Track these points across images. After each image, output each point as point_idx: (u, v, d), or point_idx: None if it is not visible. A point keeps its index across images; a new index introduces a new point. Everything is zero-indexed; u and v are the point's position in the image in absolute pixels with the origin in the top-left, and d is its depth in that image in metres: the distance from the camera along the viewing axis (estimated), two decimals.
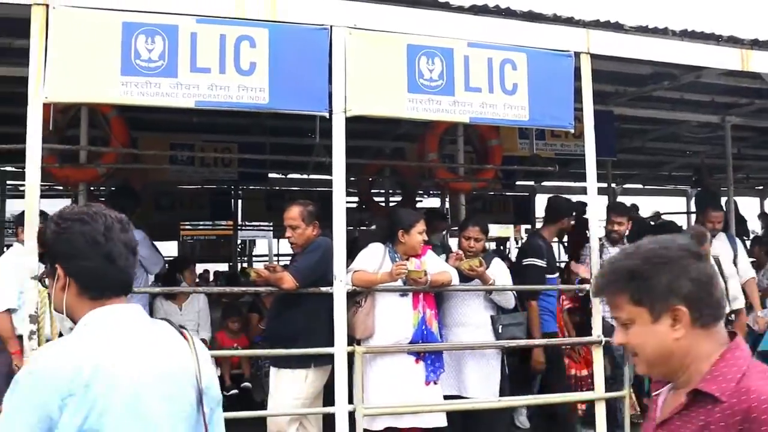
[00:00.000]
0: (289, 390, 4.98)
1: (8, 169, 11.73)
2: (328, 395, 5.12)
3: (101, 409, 1.82)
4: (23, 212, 5.36)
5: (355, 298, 5.06)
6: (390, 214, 5.98)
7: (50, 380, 1.81)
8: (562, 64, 5.34)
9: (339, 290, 4.74)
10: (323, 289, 4.85)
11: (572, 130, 5.56)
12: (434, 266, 5.17)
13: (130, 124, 7.27)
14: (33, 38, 4.39)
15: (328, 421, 5.13)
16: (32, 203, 4.45)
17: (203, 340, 6.76)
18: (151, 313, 6.68)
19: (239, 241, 15.38)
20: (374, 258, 5.19)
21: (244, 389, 6.83)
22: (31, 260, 4.37)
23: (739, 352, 1.80)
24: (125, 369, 1.89)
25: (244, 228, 14.01)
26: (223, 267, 15.01)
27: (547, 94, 5.29)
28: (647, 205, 13.76)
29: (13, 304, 5.07)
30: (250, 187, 12.04)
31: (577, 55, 5.39)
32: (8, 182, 12.28)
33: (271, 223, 13.85)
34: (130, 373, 1.90)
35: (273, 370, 5.15)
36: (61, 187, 10.12)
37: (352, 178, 11.43)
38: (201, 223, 14.50)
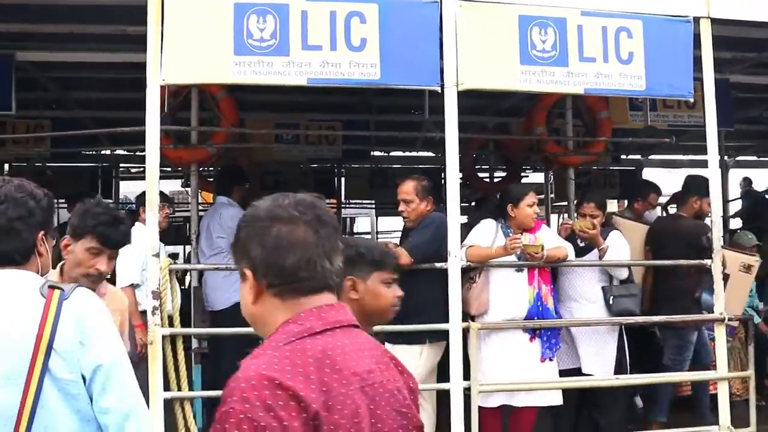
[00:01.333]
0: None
1: (120, 152, 12.12)
2: (441, 372, 5.13)
3: None
4: (144, 193, 5.54)
5: (469, 273, 5.02)
6: (502, 189, 5.90)
7: None
8: (680, 31, 5.11)
9: (453, 266, 4.69)
10: (438, 264, 4.83)
11: (691, 100, 5.31)
12: (549, 241, 5.07)
13: (238, 105, 7.39)
14: (150, 23, 4.48)
15: (442, 398, 5.14)
16: (152, 184, 4.56)
17: None
18: None
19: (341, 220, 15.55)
20: (487, 234, 5.13)
21: None
22: (152, 238, 4.51)
23: (290, 327, 1.59)
24: None
25: (347, 206, 14.06)
26: None
27: (665, 63, 5.07)
28: (762, 179, 13.18)
29: (137, 279, 5.28)
30: (353, 165, 12.10)
31: (696, 20, 5.14)
32: (121, 165, 12.71)
33: (374, 201, 13.93)
34: None
35: (387, 346, 5.15)
36: (169, 168, 10.40)
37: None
38: None
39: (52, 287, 2.15)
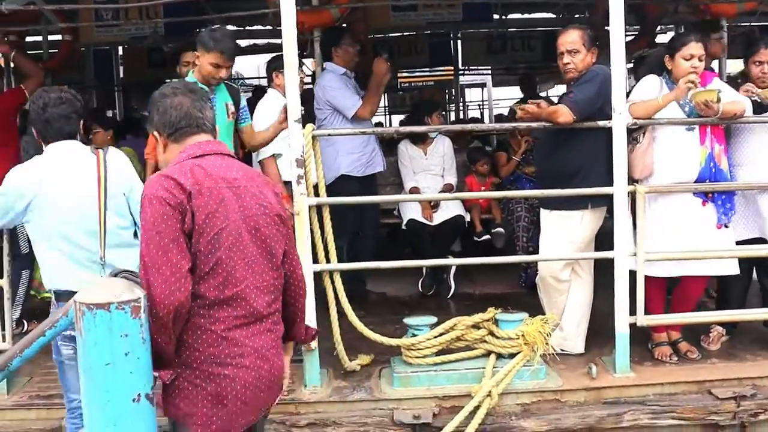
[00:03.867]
0: (562, 233, 4.67)
1: (231, 27, 11.85)
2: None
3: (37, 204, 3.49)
4: (277, 56, 5.24)
5: (632, 134, 4.57)
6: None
7: (14, 191, 3.51)
8: None
9: (618, 124, 4.29)
10: (600, 123, 4.41)
11: None
12: (723, 94, 4.50)
13: None
14: None
15: (601, 267, 4.84)
16: (290, 42, 4.25)
17: (449, 185, 6.58)
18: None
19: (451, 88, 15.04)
20: (651, 90, 4.61)
21: (495, 235, 6.58)
22: (293, 102, 4.24)
23: (180, 155, 2.61)
24: (49, 184, 3.48)
25: (465, 72, 13.51)
26: None
27: None
28: None
29: (278, 149, 5.01)
30: (470, 30, 11.49)
31: None
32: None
33: (490, 68, 13.31)
34: (54, 187, 3.47)
35: (544, 212, 4.83)
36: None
37: (577, 15, 10.58)
38: (418, 69, 14.15)
39: (97, 149, 3.63)
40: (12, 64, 7.12)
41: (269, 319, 2.61)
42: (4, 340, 4.52)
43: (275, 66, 5.20)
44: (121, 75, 11.76)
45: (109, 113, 11.35)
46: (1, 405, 4.52)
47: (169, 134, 2.63)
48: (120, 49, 11.55)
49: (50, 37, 8.97)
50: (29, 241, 5.27)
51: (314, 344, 4.33)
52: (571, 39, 4.55)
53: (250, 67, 16.19)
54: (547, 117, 4.46)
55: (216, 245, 2.44)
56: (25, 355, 2.44)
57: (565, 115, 4.39)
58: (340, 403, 4.30)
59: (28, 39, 8.52)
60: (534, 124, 4.62)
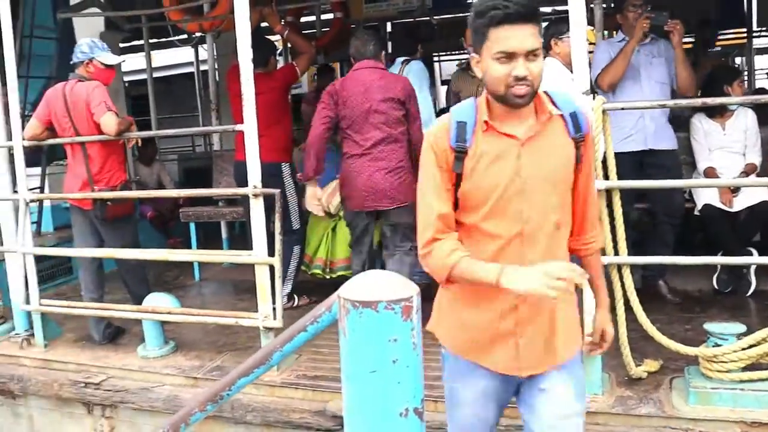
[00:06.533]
0: None
1: None
2: None
3: None
4: (556, 21, 4.74)
5: None
6: None
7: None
8: None
9: None
10: None
11: None
12: None
13: None
14: None
15: None
16: (578, 8, 3.74)
17: (752, 165, 5.61)
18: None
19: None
20: None
21: None
22: (580, 72, 3.72)
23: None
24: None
25: (761, 35, 11.75)
26: None
27: None
28: None
29: None
30: None
31: None
32: None
33: None
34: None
35: None
36: None
37: None
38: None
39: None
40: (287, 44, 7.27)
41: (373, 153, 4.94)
42: (275, 317, 4.52)
43: (553, 32, 4.68)
44: (390, 50, 11.80)
45: None
46: (271, 381, 4.56)
47: (352, 58, 5.01)
48: (389, 25, 11.58)
49: (323, 17, 9.18)
50: (300, 217, 6.05)
51: None
52: None
53: None
54: None
55: (352, 113, 4.85)
56: (286, 351, 2.21)
57: None
58: (625, 416, 3.74)
59: (303, 19, 8.77)
60: None
